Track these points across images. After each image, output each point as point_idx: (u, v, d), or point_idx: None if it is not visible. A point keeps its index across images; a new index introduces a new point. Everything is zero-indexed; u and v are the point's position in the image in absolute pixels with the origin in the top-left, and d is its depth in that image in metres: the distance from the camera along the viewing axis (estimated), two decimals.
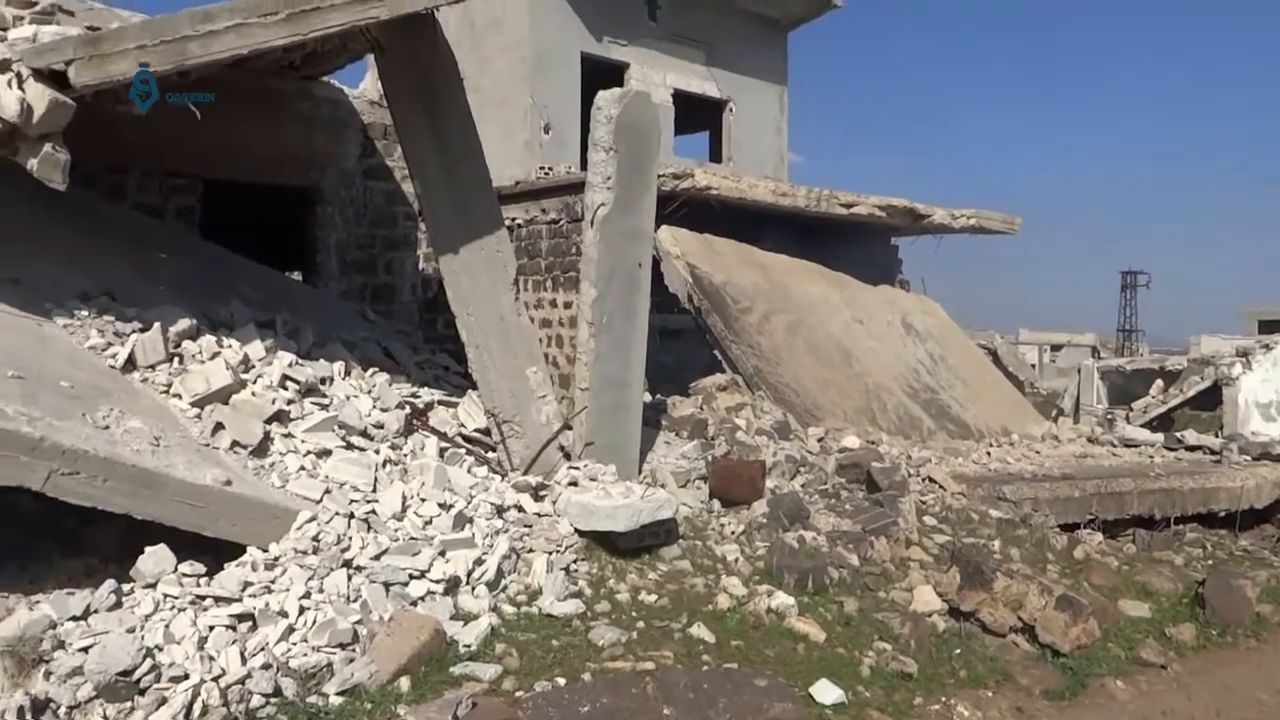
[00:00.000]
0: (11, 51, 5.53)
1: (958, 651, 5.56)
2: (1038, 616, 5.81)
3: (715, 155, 18.68)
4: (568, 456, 7.18)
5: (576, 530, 6.02)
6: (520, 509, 6.20)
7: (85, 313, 6.21)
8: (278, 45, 6.08)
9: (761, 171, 17.24)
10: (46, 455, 4.62)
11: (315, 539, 5.09)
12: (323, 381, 6.65)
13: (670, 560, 6.16)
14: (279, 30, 5.88)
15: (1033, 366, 28.03)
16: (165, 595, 4.59)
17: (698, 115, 18.52)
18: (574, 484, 6.61)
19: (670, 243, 11.71)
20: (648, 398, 9.03)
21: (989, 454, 10.79)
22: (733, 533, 6.76)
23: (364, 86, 11.29)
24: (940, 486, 8.48)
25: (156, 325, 6.14)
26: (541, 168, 15.07)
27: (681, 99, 17.29)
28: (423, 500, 5.75)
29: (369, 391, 6.90)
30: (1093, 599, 6.29)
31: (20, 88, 5.38)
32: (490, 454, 7.13)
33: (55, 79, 5.52)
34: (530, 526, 6.06)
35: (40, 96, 5.41)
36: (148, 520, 4.94)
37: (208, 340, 6.38)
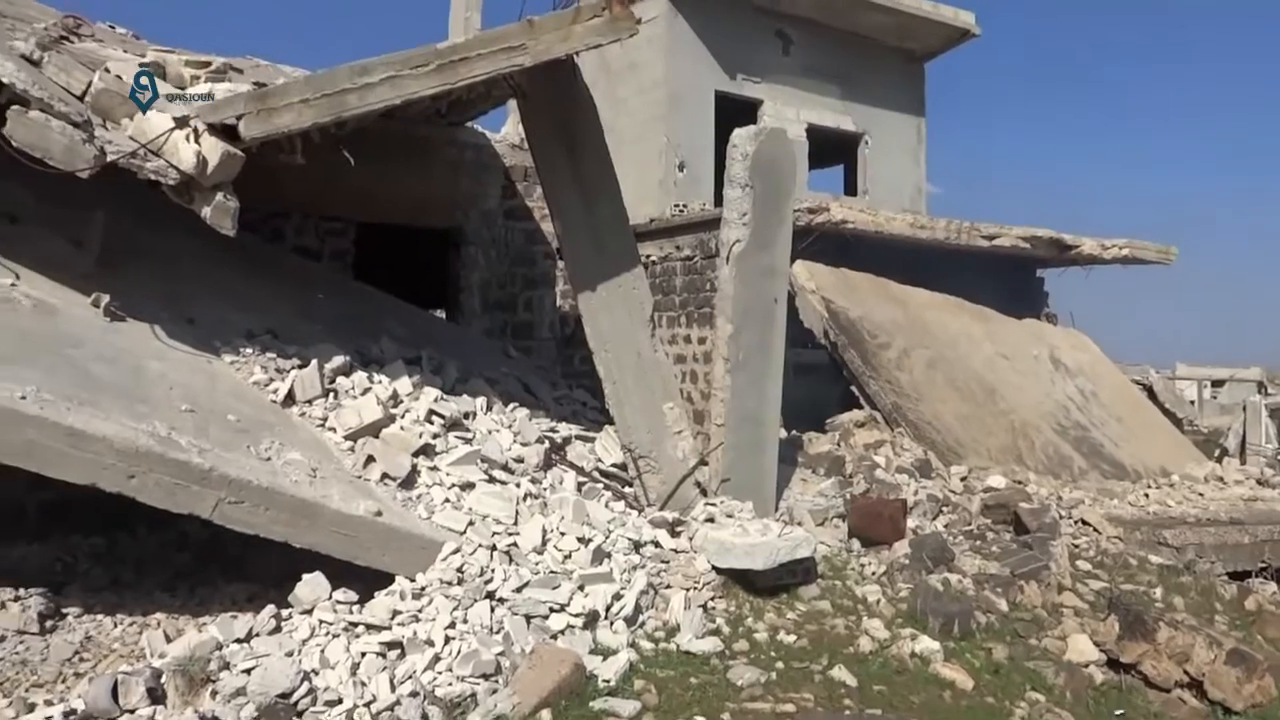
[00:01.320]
0: (189, 108, 5.98)
1: (1119, 711, 5.25)
2: (1206, 671, 5.44)
3: (850, 189, 18.48)
4: (704, 493, 7.18)
5: (714, 567, 5.99)
6: (657, 545, 6.22)
7: (250, 350, 6.59)
8: (428, 95, 6.36)
9: (899, 204, 16.96)
10: (215, 485, 4.91)
11: (460, 570, 5.23)
12: (466, 416, 6.85)
13: (809, 600, 6.05)
14: (429, 80, 6.15)
15: (1192, 403, 26.45)
16: (321, 621, 4.79)
17: (832, 149, 18.38)
18: (711, 520, 6.60)
19: (805, 277, 11.62)
20: (783, 434, 8.94)
21: (1147, 496, 10.23)
22: (873, 573, 6.60)
23: (505, 131, 11.68)
24: (1094, 529, 8.08)
25: (314, 362, 6.46)
26: (676, 205, 15.21)
27: (816, 133, 17.20)
28: (562, 534, 5.83)
29: (510, 426, 7.06)
30: (1268, 654, 5.86)
31: (197, 141, 5.80)
32: (627, 489, 7.19)
33: (227, 133, 5.92)
34: (667, 563, 6.07)
35: (214, 149, 5.81)
36: (304, 548, 5.19)
37: (360, 376, 6.67)
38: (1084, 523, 8.23)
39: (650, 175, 15.58)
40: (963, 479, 9.24)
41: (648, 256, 13.55)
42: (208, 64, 7.20)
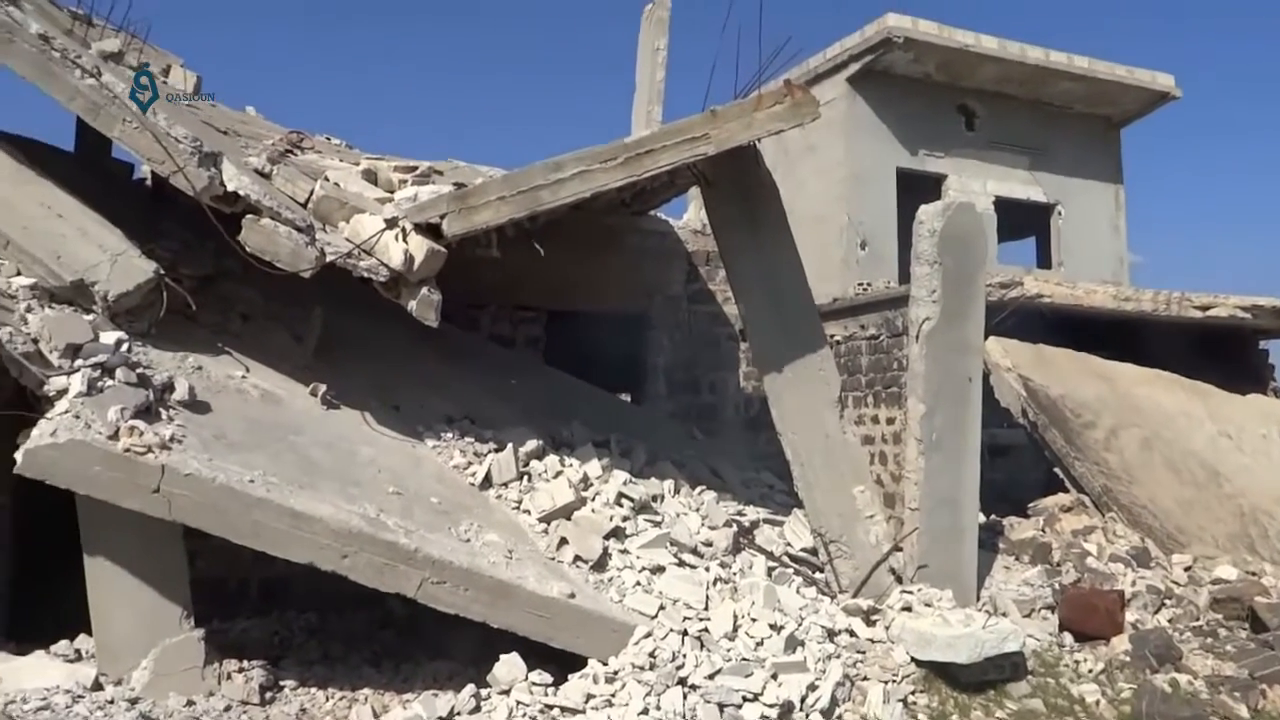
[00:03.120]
0: (398, 210, 6.43)
1: None
2: None
3: (1044, 261, 17.74)
4: (899, 580, 6.90)
5: (913, 659, 5.73)
6: (852, 633, 6.01)
7: (450, 434, 6.89)
8: (615, 187, 6.60)
9: (1097, 275, 16.12)
10: (420, 565, 5.12)
11: (652, 655, 5.21)
12: (655, 499, 6.89)
13: (1019, 698, 5.67)
14: (617, 173, 6.39)
15: None
16: (519, 703, 4.86)
17: (1022, 220, 17.76)
18: (908, 609, 6.33)
19: (1000, 354, 11.15)
20: (981, 518, 8.52)
21: None
22: (1090, 671, 6.13)
23: (687, 217, 11.93)
24: None
25: (509, 446, 6.70)
26: (859, 284, 15.02)
27: (1004, 205, 16.69)
28: (753, 620, 5.73)
29: (697, 509, 7.05)
30: None
31: (405, 240, 6.22)
32: (818, 574, 7.00)
33: (431, 231, 6.33)
34: (863, 653, 5.85)
35: (420, 247, 6.20)
36: (501, 628, 5.31)
37: (552, 459, 6.84)
38: None
39: (831, 254, 15.49)
40: (1186, 569, 8.49)
41: (832, 336, 13.38)
42: (414, 168, 7.73)
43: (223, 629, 6.21)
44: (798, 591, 6.45)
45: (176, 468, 4.89)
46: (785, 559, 7.02)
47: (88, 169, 7.84)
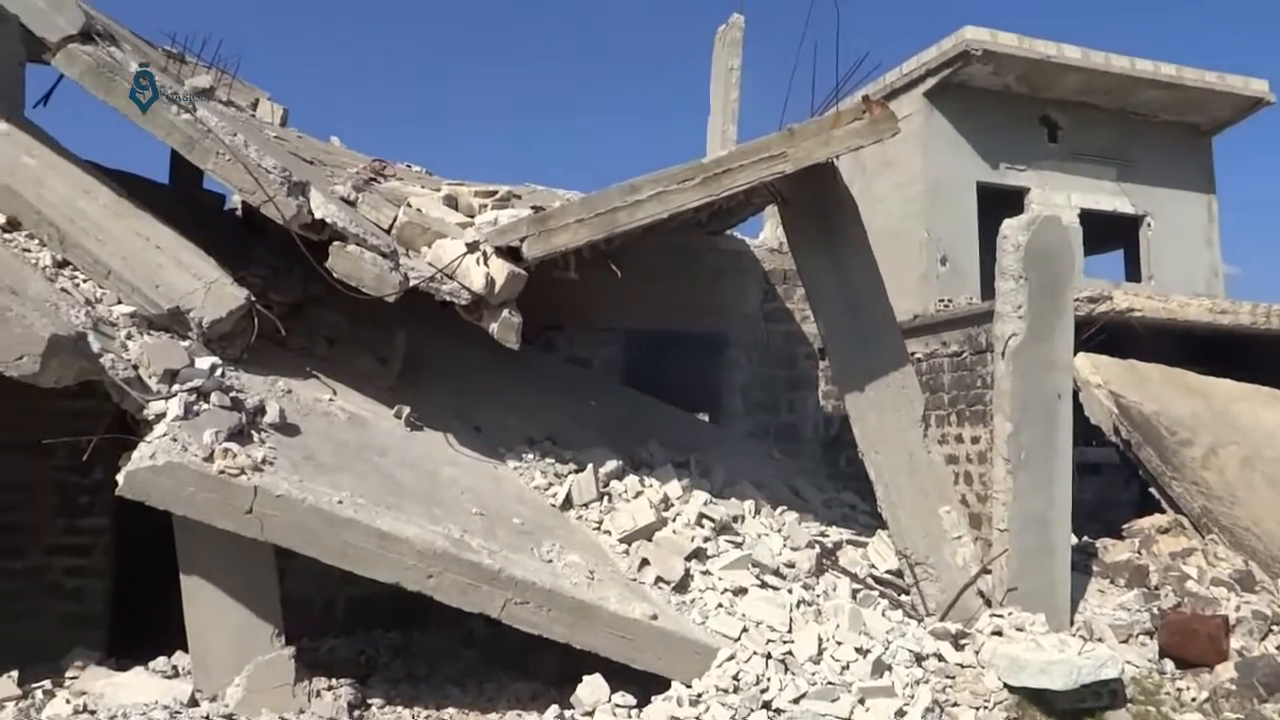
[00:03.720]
0: (479, 234, 6.52)
1: None
2: None
3: (1132, 274, 17.22)
4: (988, 603, 6.72)
5: (1005, 685, 5.57)
6: (940, 658, 5.86)
7: (531, 455, 6.95)
8: (692, 207, 6.61)
9: (1190, 287, 15.58)
10: (503, 585, 5.16)
11: (735, 678, 5.15)
12: (735, 520, 6.83)
13: None
14: (694, 194, 6.40)
15: None
16: None
17: (1109, 233, 17.28)
18: (999, 633, 6.15)
19: (1089, 370, 10.83)
20: (1073, 540, 8.26)
21: None
22: (1193, 700, 5.88)
23: (763, 236, 11.88)
24: None
25: (589, 466, 6.72)
26: (940, 300, 14.76)
27: (1090, 218, 16.26)
28: (838, 643, 5.63)
29: (779, 530, 6.97)
30: None
31: (485, 264, 6.31)
32: (903, 597, 6.86)
33: (511, 254, 6.41)
34: (952, 678, 5.70)
35: (500, 270, 6.29)
36: (582, 649, 5.31)
37: (632, 480, 6.84)
38: None
39: (910, 270, 15.26)
40: None
41: (913, 354, 13.15)
42: (494, 193, 7.85)
43: (311, 647, 6.33)
44: (883, 614, 6.32)
45: (268, 489, 5.02)
46: (870, 581, 6.89)
47: (182, 200, 8.14)
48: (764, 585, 6.14)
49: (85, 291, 5.95)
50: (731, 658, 5.31)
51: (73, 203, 6.19)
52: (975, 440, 12.28)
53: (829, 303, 7.07)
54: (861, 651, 5.56)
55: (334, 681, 5.49)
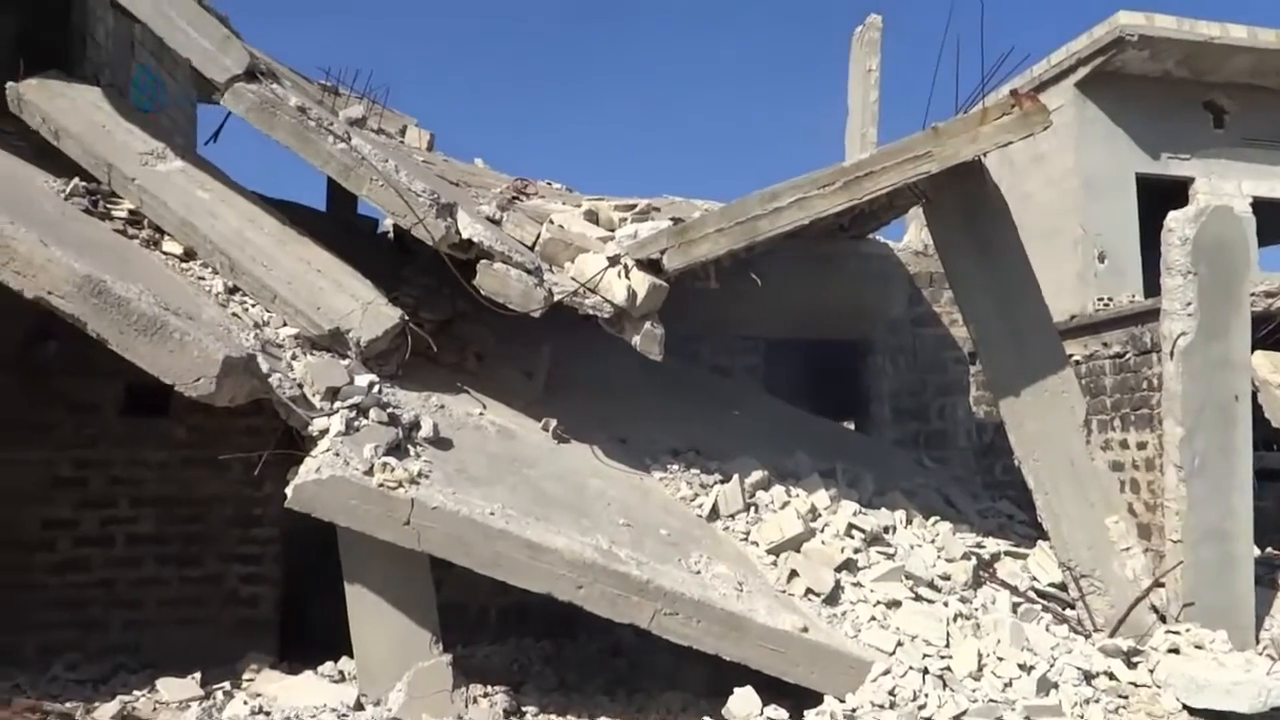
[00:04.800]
0: (619, 248, 6.59)
1: None
2: None
3: None
4: (1162, 618, 6.33)
5: (1185, 706, 5.23)
6: (1112, 676, 5.56)
7: (676, 466, 6.95)
8: (834, 212, 6.50)
9: None
10: (652, 596, 5.17)
11: (891, 693, 5.01)
12: (886, 530, 6.66)
13: None
14: (836, 198, 6.29)
15: None
16: None
17: None
18: (1175, 651, 5.79)
19: (1269, 369, 10.11)
20: (1255, 551, 7.70)
21: None
22: None
23: (907, 239, 11.57)
24: None
25: (735, 477, 6.67)
26: (1099, 299, 14.07)
27: (1264, 206, 15.19)
28: (1000, 659, 5.41)
29: (932, 541, 6.76)
30: None
31: (627, 277, 6.36)
32: (1068, 611, 6.54)
33: (652, 266, 6.45)
34: (1125, 697, 5.39)
35: (642, 282, 6.33)
36: (733, 661, 5.27)
37: (778, 490, 6.76)
38: None
39: (1066, 269, 14.59)
40: None
41: (1071, 356, 12.56)
42: (633, 206, 7.92)
43: (466, 655, 6.50)
44: (1047, 629, 6.04)
45: (425, 501, 5.19)
46: (1031, 594, 6.60)
47: (338, 225, 8.54)
48: (918, 598, 5.96)
49: (254, 315, 6.32)
50: (887, 672, 5.16)
51: (241, 232, 6.57)
52: (1142, 446, 11.63)
53: (979, 305, 6.83)
54: (1025, 668, 5.32)
55: (489, 689, 5.62)
